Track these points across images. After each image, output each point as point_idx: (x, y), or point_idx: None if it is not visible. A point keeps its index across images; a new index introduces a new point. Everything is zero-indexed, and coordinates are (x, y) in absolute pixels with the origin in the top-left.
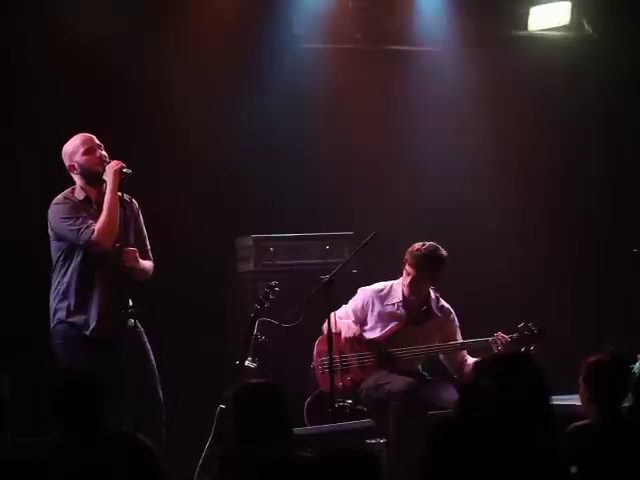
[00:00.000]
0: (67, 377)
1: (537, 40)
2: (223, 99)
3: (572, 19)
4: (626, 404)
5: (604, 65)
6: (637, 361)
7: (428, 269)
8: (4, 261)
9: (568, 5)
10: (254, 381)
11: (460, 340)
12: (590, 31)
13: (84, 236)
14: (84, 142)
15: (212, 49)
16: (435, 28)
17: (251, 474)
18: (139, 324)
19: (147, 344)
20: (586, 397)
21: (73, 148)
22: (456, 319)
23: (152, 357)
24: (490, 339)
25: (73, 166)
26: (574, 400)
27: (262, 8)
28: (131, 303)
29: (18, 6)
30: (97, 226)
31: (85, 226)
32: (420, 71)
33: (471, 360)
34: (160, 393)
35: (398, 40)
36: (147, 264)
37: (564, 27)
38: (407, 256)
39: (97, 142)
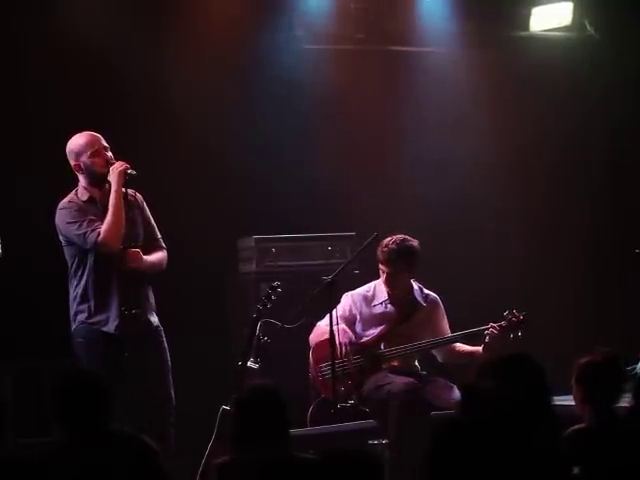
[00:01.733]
0: (70, 378)
1: (539, 41)
2: (224, 100)
3: (574, 19)
4: (625, 404)
5: (606, 65)
6: (638, 361)
7: (400, 262)
8: (6, 261)
9: (570, 6)
10: (254, 382)
11: (447, 328)
12: (592, 31)
13: (90, 239)
14: (92, 144)
15: (213, 50)
16: (437, 29)
17: (250, 477)
18: (159, 322)
19: (164, 343)
20: (579, 398)
21: (80, 148)
22: (442, 307)
23: (168, 357)
24: (481, 329)
25: (79, 166)
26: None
27: (263, 9)
28: (153, 298)
29: (18, 6)
30: (103, 228)
31: (91, 229)
32: (422, 72)
33: (460, 346)
34: (172, 394)
35: (400, 41)
36: (156, 257)
37: (566, 28)
38: (378, 255)
39: (104, 144)
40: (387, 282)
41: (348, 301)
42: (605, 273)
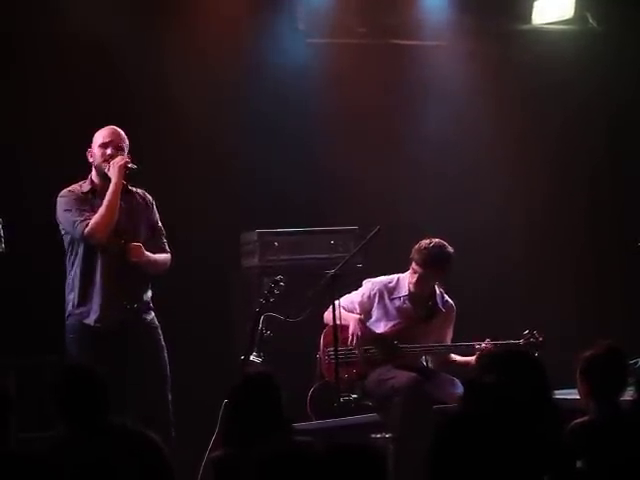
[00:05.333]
0: (67, 372)
1: (541, 34)
2: (226, 95)
3: (576, 12)
4: (629, 397)
5: (607, 58)
6: None
7: (435, 267)
8: (8, 257)
9: None
10: (247, 372)
11: (450, 337)
12: (594, 24)
13: (79, 229)
14: (105, 136)
15: (215, 46)
16: (438, 22)
17: (250, 471)
18: (155, 319)
19: (161, 341)
20: (584, 392)
21: (96, 138)
22: (454, 315)
23: (164, 354)
24: (476, 346)
25: (91, 154)
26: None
27: (265, 3)
28: (149, 296)
29: (22, 6)
30: (92, 220)
31: (81, 219)
32: (423, 65)
33: (453, 356)
34: (168, 392)
35: (402, 34)
36: (160, 257)
37: (568, 20)
38: (414, 254)
39: (117, 142)
40: (418, 283)
41: (368, 288)
42: (605, 262)
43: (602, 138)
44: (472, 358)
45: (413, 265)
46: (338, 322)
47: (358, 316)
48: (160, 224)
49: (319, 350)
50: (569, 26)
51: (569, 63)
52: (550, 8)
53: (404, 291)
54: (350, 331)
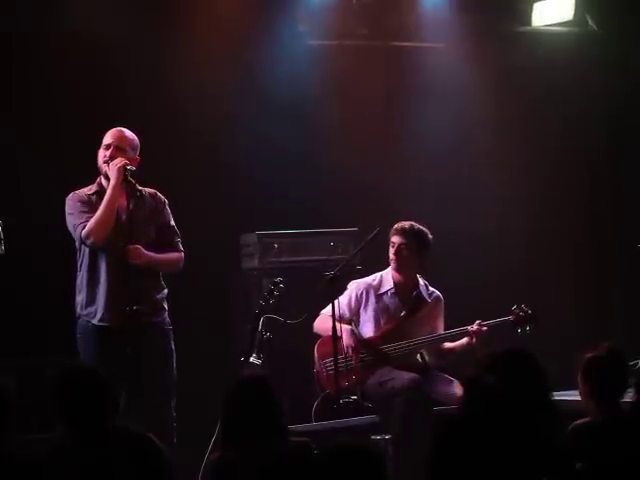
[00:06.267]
0: (67, 373)
1: (541, 36)
2: (226, 96)
3: (576, 14)
4: (629, 399)
5: (607, 60)
6: None
7: (413, 239)
8: (7, 259)
9: (572, 0)
10: (244, 374)
11: (442, 327)
12: (593, 26)
13: (77, 232)
14: (106, 137)
15: (216, 47)
16: (439, 24)
17: (249, 472)
18: (167, 322)
19: (168, 345)
20: (585, 394)
21: (103, 139)
22: (443, 306)
23: (170, 357)
24: (469, 328)
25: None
26: (577, 396)
27: (266, 4)
28: (160, 297)
29: (21, 5)
30: (89, 223)
31: (80, 222)
32: (424, 67)
33: (448, 345)
34: (169, 398)
35: (402, 36)
36: (168, 256)
37: (568, 22)
38: (391, 231)
39: (118, 144)
40: (396, 255)
41: (354, 288)
42: (605, 263)
43: (602, 139)
44: (459, 342)
45: (391, 240)
46: (328, 334)
47: (349, 327)
48: (172, 223)
49: (314, 364)
50: (569, 28)
51: (569, 65)
52: (550, 10)
53: (388, 285)
54: (344, 343)
